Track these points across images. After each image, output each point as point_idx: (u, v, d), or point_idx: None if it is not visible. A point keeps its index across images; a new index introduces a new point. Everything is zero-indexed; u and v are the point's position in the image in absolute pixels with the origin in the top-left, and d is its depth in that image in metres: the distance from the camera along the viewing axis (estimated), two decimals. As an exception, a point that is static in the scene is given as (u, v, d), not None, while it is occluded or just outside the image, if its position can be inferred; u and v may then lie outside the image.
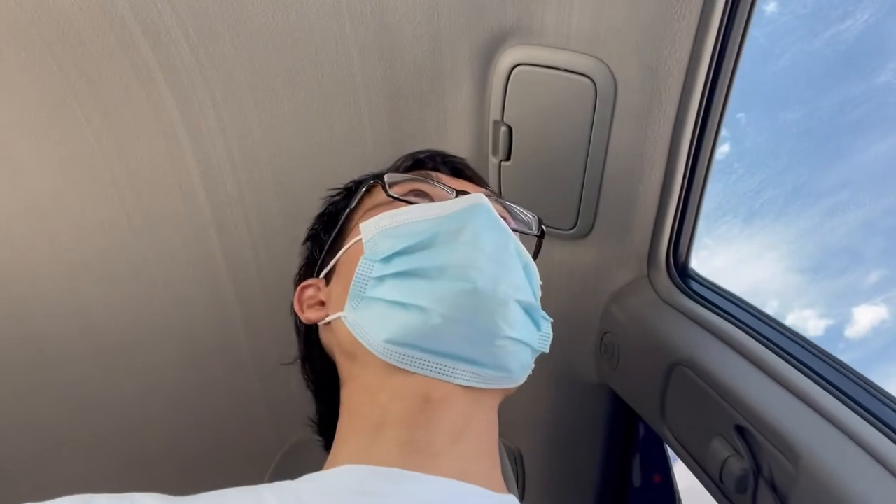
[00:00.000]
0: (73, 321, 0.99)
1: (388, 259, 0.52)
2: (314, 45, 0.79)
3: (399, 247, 0.52)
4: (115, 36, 0.75)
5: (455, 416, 0.50)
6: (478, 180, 0.69)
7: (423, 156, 0.68)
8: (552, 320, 0.58)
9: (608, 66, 0.74)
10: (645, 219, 0.86)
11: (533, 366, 0.57)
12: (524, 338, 0.53)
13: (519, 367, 0.53)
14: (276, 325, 1.06)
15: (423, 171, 0.64)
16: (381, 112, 0.86)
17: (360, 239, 0.55)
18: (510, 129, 0.84)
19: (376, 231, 0.54)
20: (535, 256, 0.64)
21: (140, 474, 1.17)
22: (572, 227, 0.90)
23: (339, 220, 0.63)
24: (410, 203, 0.57)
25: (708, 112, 0.75)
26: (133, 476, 1.17)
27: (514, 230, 0.57)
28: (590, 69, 0.75)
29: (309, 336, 0.62)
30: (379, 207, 0.58)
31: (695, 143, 0.78)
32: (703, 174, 0.81)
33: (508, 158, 0.87)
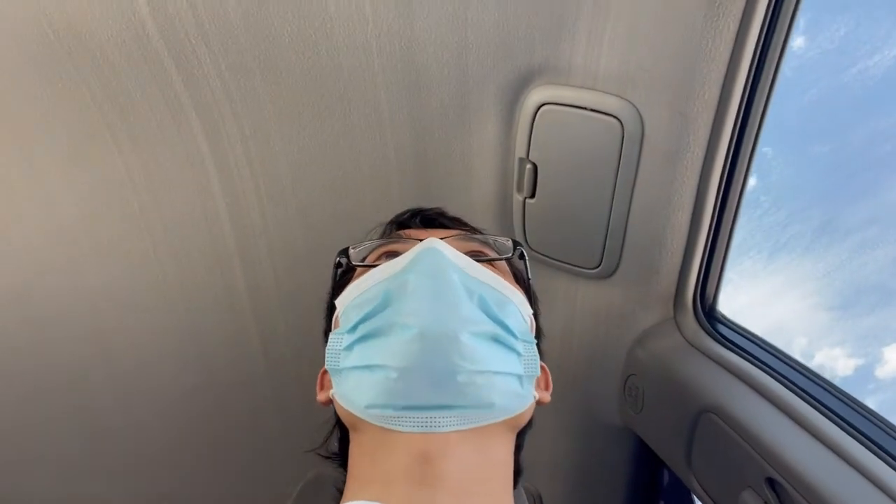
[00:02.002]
0: (92, 347, 1.00)
1: (353, 328, 0.54)
2: (342, 81, 0.80)
3: (362, 314, 0.53)
4: (149, 69, 0.77)
5: (460, 466, 0.49)
6: (451, 224, 0.72)
7: (404, 217, 0.72)
8: (536, 341, 0.58)
9: (636, 107, 0.74)
10: (671, 260, 0.84)
11: (536, 395, 0.56)
12: (497, 367, 0.51)
13: (505, 399, 0.52)
14: (296, 359, 1.06)
15: (396, 233, 0.67)
16: (407, 148, 0.87)
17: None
18: (535, 167, 0.84)
19: (346, 304, 0.57)
20: (523, 279, 0.67)
21: (156, 500, 1.17)
22: (597, 267, 0.88)
23: (331, 302, 0.65)
24: (373, 267, 0.58)
25: (737, 154, 0.74)
26: (149, 501, 1.17)
27: (484, 260, 0.60)
28: (617, 110, 0.75)
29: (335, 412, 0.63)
30: (353, 279, 0.61)
31: (723, 185, 0.76)
32: (732, 217, 0.79)
33: (533, 196, 0.86)
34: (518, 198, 0.88)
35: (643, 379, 0.93)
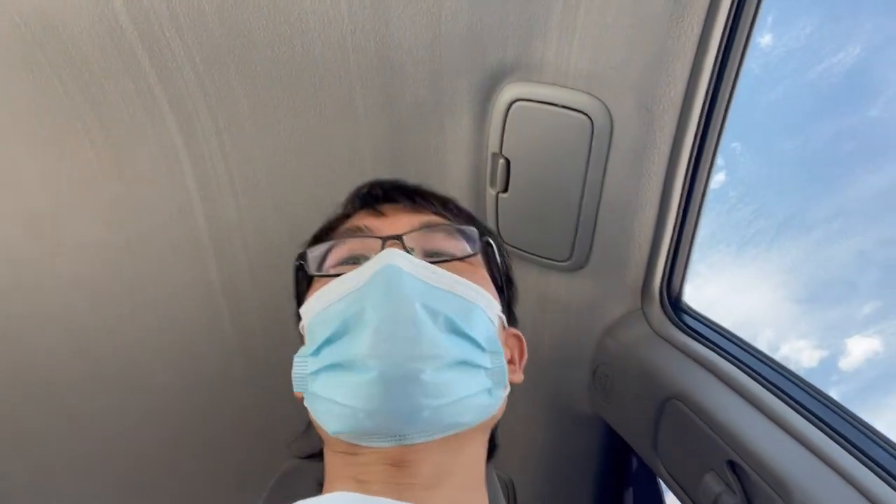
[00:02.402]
0: (66, 340, 0.99)
1: (317, 352, 0.52)
2: (317, 76, 0.80)
3: (323, 337, 0.51)
4: (122, 61, 0.76)
5: (432, 468, 0.51)
6: (414, 203, 0.65)
7: (363, 192, 0.68)
8: (503, 349, 0.55)
9: (605, 105, 0.76)
10: (639, 253, 0.87)
11: (508, 388, 0.55)
12: (464, 393, 0.50)
13: (474, 414, 0.52)
14: (272, 350, 1.07)
15: (354, 223, 0.63)
16: (382, 143, 0.88)
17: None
18: (508, 162, 0.86)
19: (309, 318, 0.55)
20: (499, 266, 0.63)
21: (133, 495, 1.16)
22: (567, 260, 0.91)
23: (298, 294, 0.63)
24: (334, 277, 0.55)
25: (701, 150, 0.77)
26: (127, 496, 1.16)
27: (448, 260, 0.57)
28: (587, 107, 0.77)
29: None
30: (313, 287, 0.59)
31: (688, 180, 0.79)
32: (697, 211, 0.82)
33: (506, 190, 0.88)
34: (491, 192, 0.90)
35: (612, 368, 0.96)
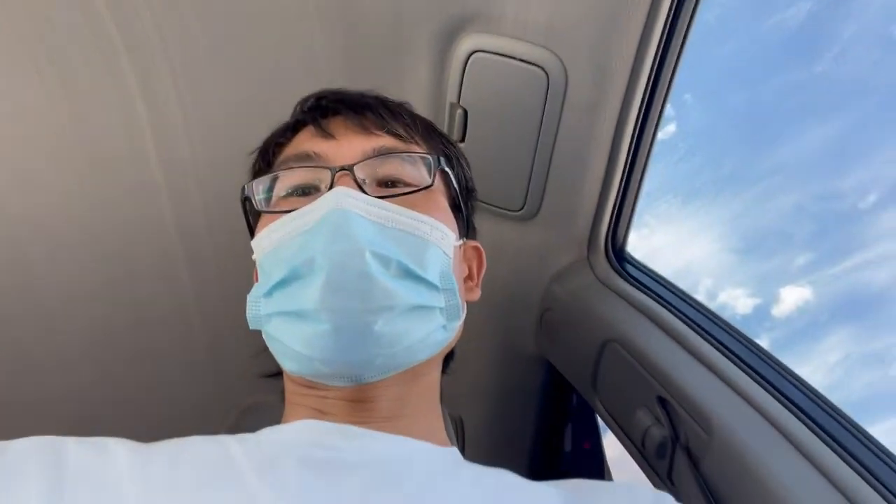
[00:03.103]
0: (13, 278, 0.97)
1: (269, 293, 0.51)
2: (276, 17, 0.79)
3: (276, 277, 0.50)
4: (77, 2, 0.74)
5: (390, 401, 0.53)
6: (365, 120, 0.59)
7: (309, 104, 0.63)
8: (457, 283, 0.54)
9: (560, 59, 0.78)
10: (587, 205, 0.91)
11: (464, 314, 0.55)
12: (419, 335, 0.50)
13: (429, 349, 0.52)
14: (226, 290, 1.08)
15: (300, 149, 0.58)
16: (341, 86, 0.88)
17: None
18: (465, 112, 0.87)
19: (261, 256, 0.53)
20: (456, 185, 0.60)
21: (87, 436, 1.17)
22: (520, 209, 0.94)
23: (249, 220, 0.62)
24: (281, 213, 0.53)
25: (650, 108, 0.80)
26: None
27: (400, 194, 0.53)
28: (543, 60, 0.79)
29: None
30: (261, 219, 0.57)
31: (636, 136, 0.83)
32: (643, 166, 0.86)
33: (463, 140, 0.90)
34: (448, 142, 0.92)
35: (557, 313, 1.01)
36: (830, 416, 0.65)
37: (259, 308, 0.52)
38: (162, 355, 1.12)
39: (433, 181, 0.56)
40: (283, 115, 0.90)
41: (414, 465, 0.49)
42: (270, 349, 0.53)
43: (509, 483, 0.50)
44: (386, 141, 0.57)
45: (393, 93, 0.89)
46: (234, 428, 0.90)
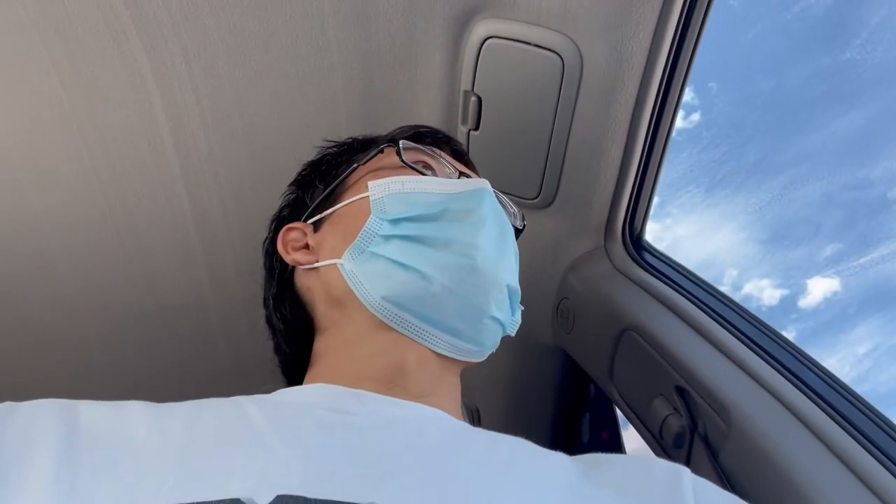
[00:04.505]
0: (34, 268, 0.99)
1: (396, 221, 0.54)
2: (289, 6, 0.79)
3: (409, 213, 0.54)
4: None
5: (428, 378, 0.54)
6: (473, 167, 0.71)
7: (424, 129, 0.68)
8: (523, 308, 0.61)
9: (576, 44, 0.77)
10: (604, 192, 0.90)
11: (498, 344, 0.60)
12: (504, 320, 0.56)
13: (490, 345, 0.58)
14: (242, 278, 1.08)
15: (427, 146, 0.65)
16: (354, 77, 0.88)
17: (367, 196, 0.57)
18: (480, 100, 0.86)
19: (386, 193, 0.56)
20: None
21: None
22: (535, 197, 0.93)
23: (339, 173, 0.63)
24: (420, 173, 0.59)
25: (668, 93, 0.79)
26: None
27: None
28: (558, 45, 0.78)
29: (283, 276, 0.63)
30: (385, 171, 0.60)
31: (654, 122, 0.81)
32: (661, 152, 0.85)
33: (477, 128, 0.89)
34: (463, 130, 0.91)
35: (574, 302, 1.00)
36: (853, 404, 0.63)
37: (380, 227, 0.55)
38: (179, 342, 1.13)
39: (523, 227, 0.71)
40: (295, 105, 0.90)
41: (429, 429, 0.48)
42: (356, 277, 0.54)
43: (525, 449, 0.49)
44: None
45: (407, 80, 0.89)
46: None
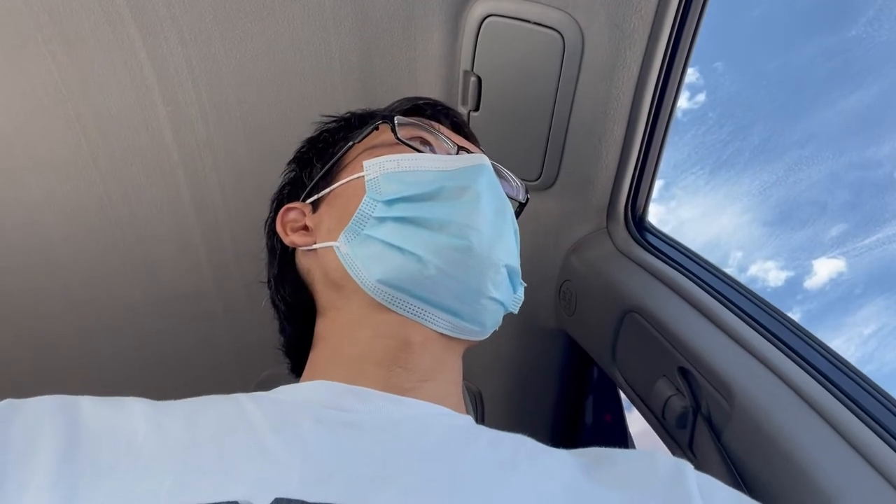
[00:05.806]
0: (35, 258, 0.99)
1: (391, 202, 0.53)
2: (285, -14, 0.78)
3: (403, 193, 0.53)
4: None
5: (430, 358, 0.53)
6: (474, 139, 0.70)
7: (422, 102, 0.66)
8: (525, 285, 0.60)
9: (577, 21, 0.76)
10: (606, 173, 0.89)
11: (500, 322, 0.60)
12: (503, 299, 0.55)
13: (492, 324, 0.57)
14: (243, 265, 1.08)
15: (425, 120, 0.63)
16: (352, 57, 0.87)
17: (362, 176, 0.56)
18: (479, 80, 0.85)
19: (380, 172, 0.55)
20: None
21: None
22: (537, 179, 0.92)
23: (336, 151, 0.62)
24: (416, 150, 0.57)
25: (670, 71, 0.78)
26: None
27: (510, 196, 0.60)
28: (559, 23, 0.76)
29: (284, 257, 0.62)
30: (381, 148, 0.59)
31: (656, 101, 0.80)
32: (663, 133, 0.84)
33: (477, 109, 0.88)
34: (463, 110, 0.90)
35: (576, 285, 1.00)
36: (856, 383, 0.63)
37: (374, 209, 0.54)
38: (179, 328, 1.13)
39: (526, 200, 0.70)
40: (293, 86, 0.89)
41: (430, 428, 0.48)
42: (351, 260, 0.53)
43: (526, 447, 0.49)
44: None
45: (405, 60, 0.88)
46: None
